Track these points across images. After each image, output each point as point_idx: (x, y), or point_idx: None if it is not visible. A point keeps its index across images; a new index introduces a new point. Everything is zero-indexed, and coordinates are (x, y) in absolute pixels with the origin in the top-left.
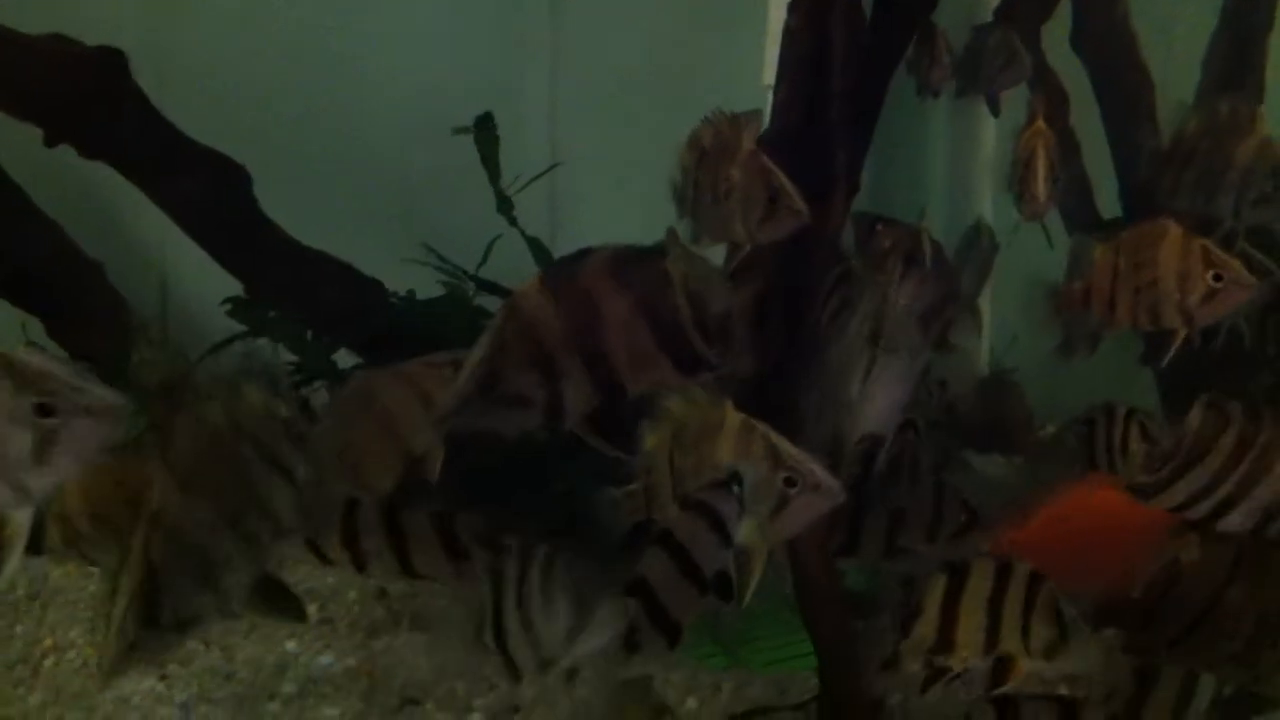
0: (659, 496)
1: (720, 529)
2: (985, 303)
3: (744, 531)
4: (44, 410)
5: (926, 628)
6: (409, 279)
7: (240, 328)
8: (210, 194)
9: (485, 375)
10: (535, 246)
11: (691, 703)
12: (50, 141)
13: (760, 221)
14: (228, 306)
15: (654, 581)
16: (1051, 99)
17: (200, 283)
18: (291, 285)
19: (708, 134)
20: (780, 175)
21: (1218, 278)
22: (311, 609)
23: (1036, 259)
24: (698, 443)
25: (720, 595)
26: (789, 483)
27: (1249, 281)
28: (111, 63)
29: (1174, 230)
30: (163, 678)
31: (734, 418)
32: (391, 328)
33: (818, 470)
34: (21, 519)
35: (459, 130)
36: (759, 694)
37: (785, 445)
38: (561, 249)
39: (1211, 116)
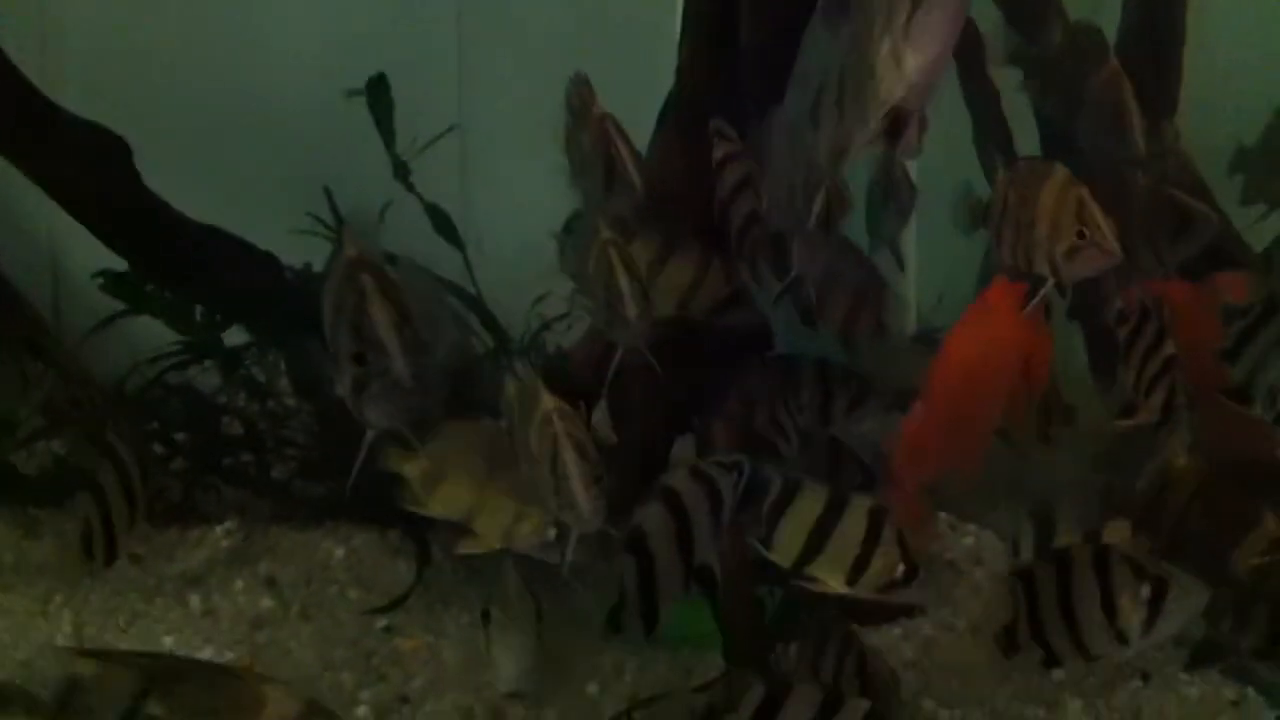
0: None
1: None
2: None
3: None
4: None
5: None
6: (307, 252)
7: None
8: (88, 168)
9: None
10: (434, 213)
11: (593, 688)
12: None
13: (604, 194)
14: (99, 280)
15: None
16: (970, 46)
17: (93, 262)
18: (179, 262)
19: (575, 97)
20: (622, 147)
21: (1081, 235)
22: (194, 599)
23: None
24: (526, 416)
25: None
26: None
27: (1112, 250)
28: None
29: (1059, 173)
30: None
31: (547, 402)
32: (286, 303)
33: (579, 489)
34: None
35: (351, 94)
36: (664, 675)
37: (569, 450)
38: (474, 215)
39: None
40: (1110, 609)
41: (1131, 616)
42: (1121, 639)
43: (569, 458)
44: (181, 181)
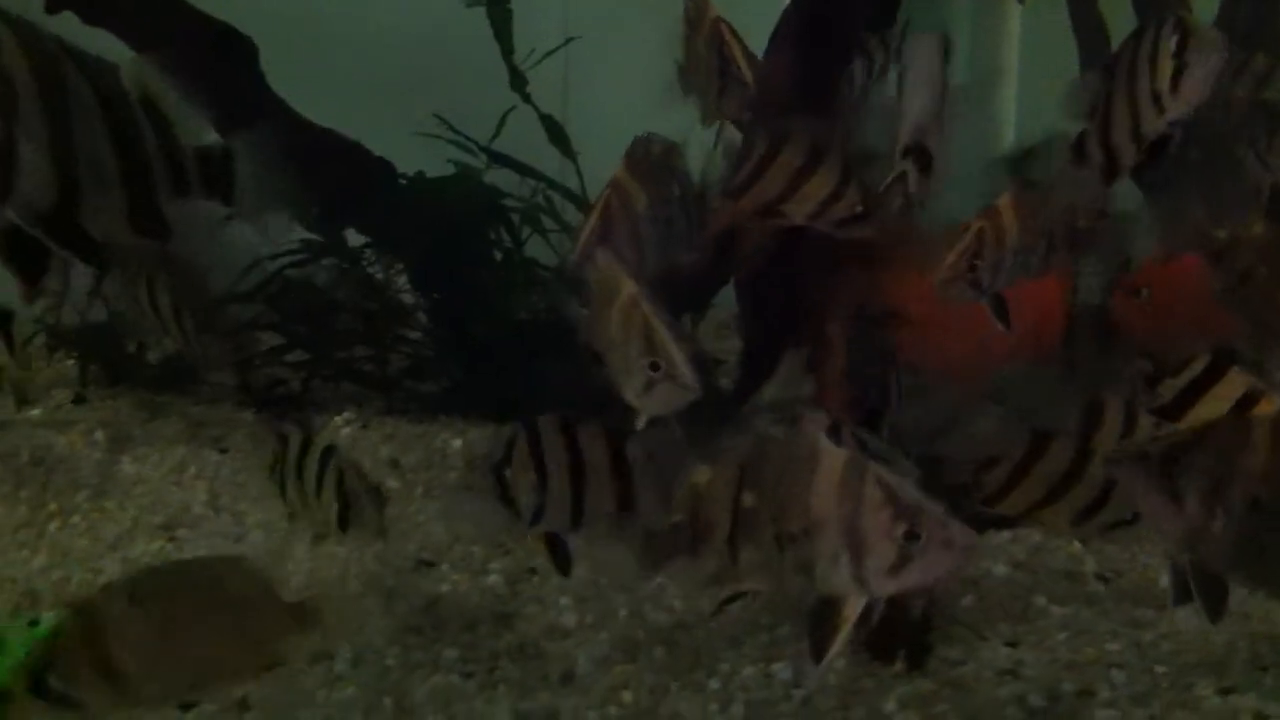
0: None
1: None
2: None
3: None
4: (910, 536)
5: None
6: (420, 161)
7: None
8: (215, 66)
9: None
10: (549, 123)
11: None
12: (51, 8)
13: (718, 96)
14: None
15: None
16: None
17: None
18: (299, 163)
19: (692, 7)
20: (738, 50)
21: None
22: None
23: None
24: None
25: None
26: (653, 367)
27: None
28: None
29: None
30: (170, 539)
31: (628, 288)
32: (400, 207)
33: (679, 361)
34: (851, 609)
35: (472, 3)
36: None
37: (661, 330)
38: (575, 124)
39: None
40: None
41: None
42: None
43: (658, 328)
44: (298, 87)
